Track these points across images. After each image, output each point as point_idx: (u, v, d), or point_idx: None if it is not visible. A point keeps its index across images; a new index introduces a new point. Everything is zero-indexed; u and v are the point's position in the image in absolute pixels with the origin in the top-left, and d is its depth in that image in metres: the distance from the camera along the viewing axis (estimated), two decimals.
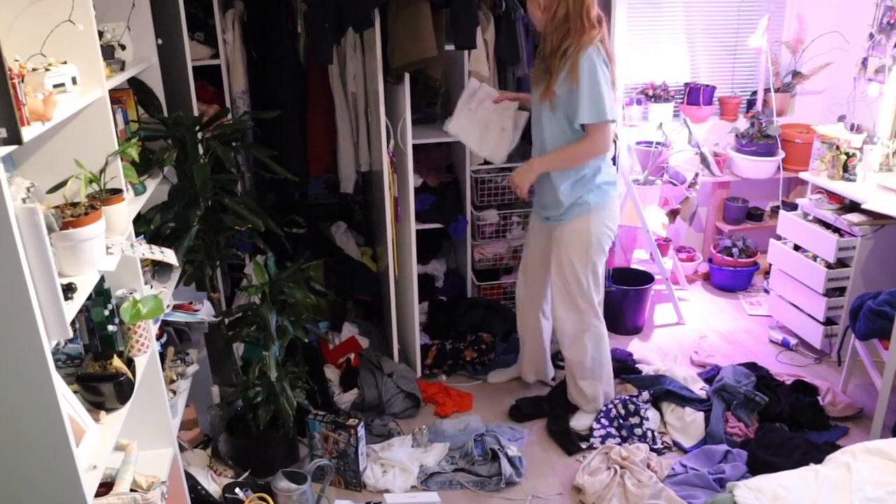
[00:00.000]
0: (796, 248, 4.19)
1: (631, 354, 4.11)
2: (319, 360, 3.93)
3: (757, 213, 5.14)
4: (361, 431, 3.17)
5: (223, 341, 3.21)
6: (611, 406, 3.52)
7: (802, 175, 4.32)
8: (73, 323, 1.84)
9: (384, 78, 3.49)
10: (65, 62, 1.99)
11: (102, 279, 2.25)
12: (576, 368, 3.50)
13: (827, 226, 3.99)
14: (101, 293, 2.25)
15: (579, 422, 3.55)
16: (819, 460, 2.57)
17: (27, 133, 1.64)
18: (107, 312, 2.27)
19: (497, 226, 4.23)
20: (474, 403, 3.77)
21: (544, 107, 3.13)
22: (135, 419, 2.41)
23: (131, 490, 2.26)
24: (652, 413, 3.56)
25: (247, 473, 3.18)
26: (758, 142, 4.84)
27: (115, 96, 2.65)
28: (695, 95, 4.98)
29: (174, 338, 3.11)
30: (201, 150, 2.97)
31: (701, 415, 3.49)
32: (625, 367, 3.93)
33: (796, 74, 5.02)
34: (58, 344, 2.15)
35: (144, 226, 2.81)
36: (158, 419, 2.61)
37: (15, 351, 1.66)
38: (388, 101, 3.57)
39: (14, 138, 1.59)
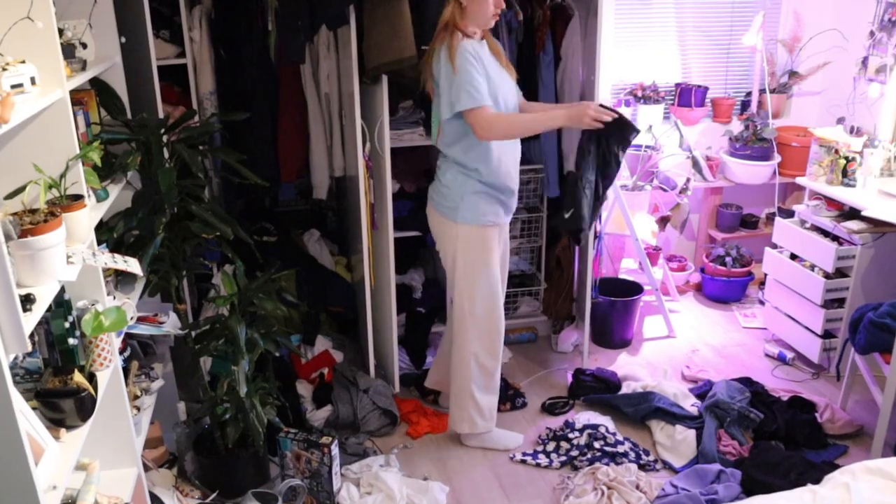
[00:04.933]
0: (793, 256, 4.23)
1: (615, 373, 4.12)
2: (291, 375, 3.94)
3: (751, 220, 5.19)
4: (335, 450, 3.20)
5: (190, 355, 3.22)
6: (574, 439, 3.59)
7: (799, 180, 4.38)
8: (31, 336, 1.85)
9: (360, 78, 3.53)
10: (23, 61, 2.00)
11: (63, 290, 2.27)
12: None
13: (825, 234, 4.03)
14: (61, 304, 2.27)
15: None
16: (817, 480, 2.59)
17: None
18: (67, 325, 2.28)
19: None
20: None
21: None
22: (97, 437, 2.43)
23: None
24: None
25: (214, 494, 3.20)
26: (752, 145, 4.89)
27: (77, 97, 2.68)
28: (686, 97, 5.02)
29: (138, 351, 3.13)
30: (167, 154, 2.99)
31: (692, 433, 3.53)
32: (608, 386, 3.97)
33: (793, 74, 5.09)
34: (15, 358, 2.17)
35: (107, 233, 2.81)
36: (121, 437, 2.63)
37: None
38: (363, 103, 3.61)
39: None
